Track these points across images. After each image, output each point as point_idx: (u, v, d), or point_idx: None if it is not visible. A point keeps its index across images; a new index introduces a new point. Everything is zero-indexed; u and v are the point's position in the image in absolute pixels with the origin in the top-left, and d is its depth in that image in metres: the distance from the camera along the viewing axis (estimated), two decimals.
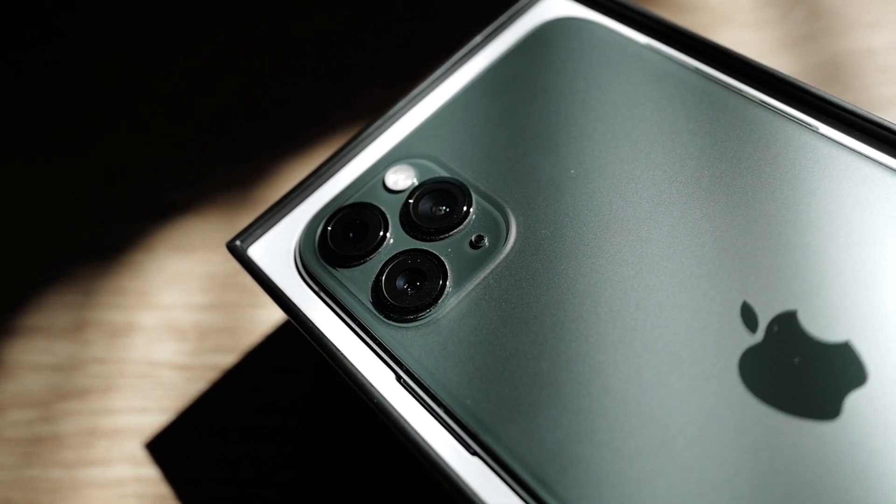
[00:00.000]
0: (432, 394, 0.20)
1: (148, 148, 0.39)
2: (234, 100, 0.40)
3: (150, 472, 0.29)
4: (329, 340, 0.21)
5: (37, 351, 0.33)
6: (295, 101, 0.39)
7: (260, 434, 0.29)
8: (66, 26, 0.45)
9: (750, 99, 0.23)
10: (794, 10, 0.36)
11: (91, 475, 0.29)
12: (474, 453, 0.19)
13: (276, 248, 0.24)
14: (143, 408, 0.31)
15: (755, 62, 0.23)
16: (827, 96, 0.22)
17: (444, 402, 0.19)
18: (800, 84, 0.22)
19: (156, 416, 0.31)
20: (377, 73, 0.39)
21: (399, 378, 0.20)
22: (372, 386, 0.20)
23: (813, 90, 0.22)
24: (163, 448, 0.30)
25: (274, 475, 0.28)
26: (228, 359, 0.32)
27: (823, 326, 0.18)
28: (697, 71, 0.24)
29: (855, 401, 0.17)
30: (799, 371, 0.18)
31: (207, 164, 0.38)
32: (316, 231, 0.23)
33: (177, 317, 0.33)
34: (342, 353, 0.21)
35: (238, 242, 0.24)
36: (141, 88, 0.41)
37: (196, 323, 0.33)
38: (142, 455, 0.30)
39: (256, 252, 0.24)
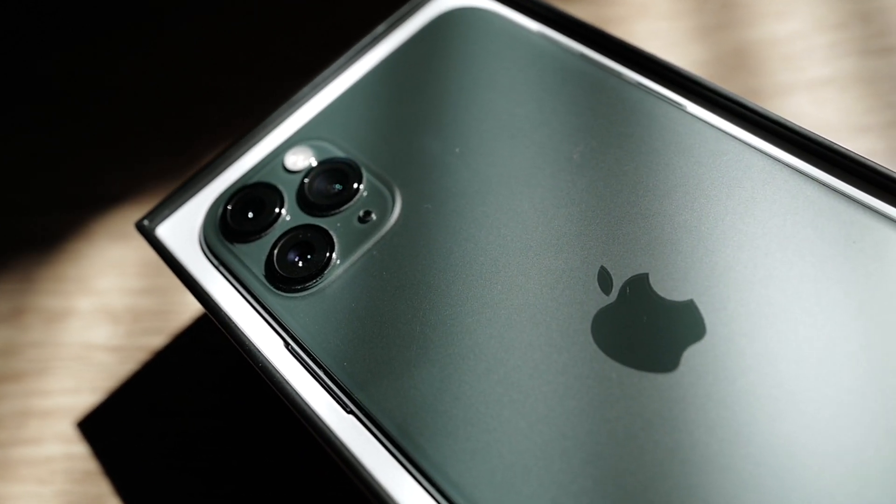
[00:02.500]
0: (313, 356, 0.21)
1: (87, 140, 0.40)
2: (170, 93, 0.41)
3: (79, 449, 0.30)
4: (223, 311, 0.22)
5: None
6: (227, 94, 0.40)
7: (186, 410, 0.30)
8: (6, 22, 0.46)
9: (626, 81, 0.24)
10: (707, 0, 0.38)
11: (23, 453, 0.31)
12: (350, 411, 0.20)
13: (183, 228, 0.25)
14: (75, 389, 0.32)
15: (632, 46, 0.25)
16: (694, 77, 0.23)
17: (323, 364, 0.21)
18: (672, 66, 0.24)
19: (87, 396, 0.32)
20: (306, 65, 0.40)
21: (287, 345, 0.22)
22: (258, 352, 0.21)
23: (683, 71, 0.24)
24: (93, 426, 0.31)
25: (199, 448, 0.29)
26: (159, 340, 0.33)
27: (671, 288, 0.20)
28: (581, 56, 0.25)
29: (692, 354, 0.19)
30: (646, 328, 0.19)
31: (144, 155, 0.39)
32: (218, 210, 0.24)
33: (112, 301, 0.35)
34: (233, 323, 0.22)
35: (146, 222, 0.25)
36: (80, 83, 0.43)
37: (130, 307, 0.34)
38: (72, 433, 0.31)
39: (164, 231, 0.25)
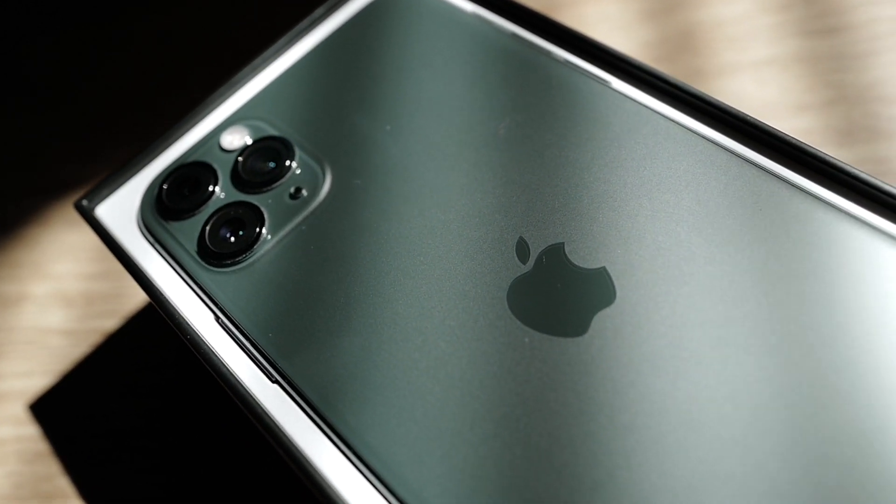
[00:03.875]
0: (240, 328, 0.21)
1: (49, 132, 0.41)
2: (132, 85, 0.41)
3: (30, 430, 0.31)
4: (155, 287, 0.23)
5: None
6: (187, 87, 0.40)
7: (137, 390, 0.31)
8: None
9: (554, 59, 0.25)
10: None
11: None
12: (274, 381, 0.21)
13: (122, 208, 0.25)
14: (28, 372, 0.32)
15: (560, 24, 0.25)
16: (618, 53, 0.24)
17: (249, 335, 0.21)
18: (597, 43, 0.24)
19: (40, 379, 0.32)
20: None
21: (217, 318, 0.22)
22: (187, 325, 0.22)
23: (608, 48, 0.24)
24: (44, 408, 0.31)
25: (149, 427, 0.30)
26: (112, 322, 0.33)
27: (585, 256, 0.20)
28: (512, 35, 0.26)
29: (601, 318, 0.19)
30: (559, 295, 0.20)
31: (106, 146, 0.39)
32: (154, 189, 0.25)
33: (67, 286, 0.35)
34: (164, 298, 0.22)
35: (84, 202, 0.25)
36: (44, 76, 0.43)
37: (84, 291, 0.35)
38: (24, 416, 0.31)
39: (103, 211, 0.25)
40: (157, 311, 0.23)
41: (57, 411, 0.31)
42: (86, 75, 0.43)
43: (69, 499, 0.28)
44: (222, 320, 0.22)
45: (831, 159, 0.20)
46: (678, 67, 0.35)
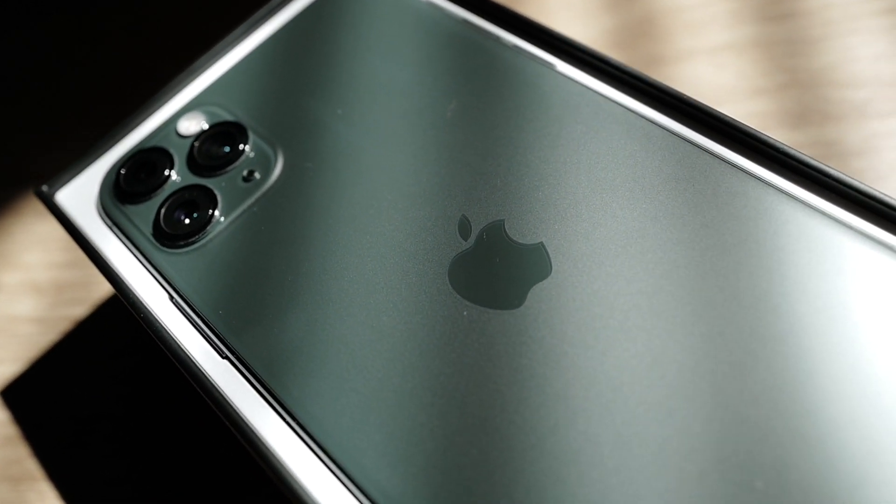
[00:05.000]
0: (192, 306, 0.22)
1: (21, 124, 0.41)
2: (104, 77, 0.42)
3: (0, 415, 0.31)
4: (110, 268, 0.23)
5: None
6: (158, 79, 0.41)
7: (105, 376, 0.31)
8: None
9: (503, 43, 0.25)
10: None
11: None
12: (224, 356, 0.21)
13: (82, 193, 0.26)
14: None
15: (508, 9, 0.26)
16: (562, 36, 0.24)
17: (200, 313, 0.22)
18: (544, 27, 0.25)
19: (10, 366, 0.33)
20: None
21: (171, 298, 0.23)
22: (141, 304, 0.22)
23: (553, 32, 0.25)
24: (13, 394, 0.32)
25: (116, 411, 0.30)
26: (81, 310, 0.34)
27: (524, 232, 0.21)
28: (463, 21, 0.26)
29: (537, 291, 0.20)
30: (498, 270, 0.20)
31: (74, 136, 0.40)
32: (112, 174, 0.25)
33: (37, 275, 0.35)
34: (119, 279, 0.23)
35: (45, 188, 0.26)
36: (16, 67, 0.43)
37: (54, 279, 0.35)
38: None
39: (63, 197, 0.26)
40: (116, 293, 0.23)
41: (26, 397, 0.32)
42: (57, 66, 0.43)
43: (37, 481, 0.29)
44: (176, 299, 0.22)
45: (762, 135, 0.21)
46: (637, 53, 0.36)
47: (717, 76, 0.34)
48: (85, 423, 0.30)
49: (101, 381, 0.31)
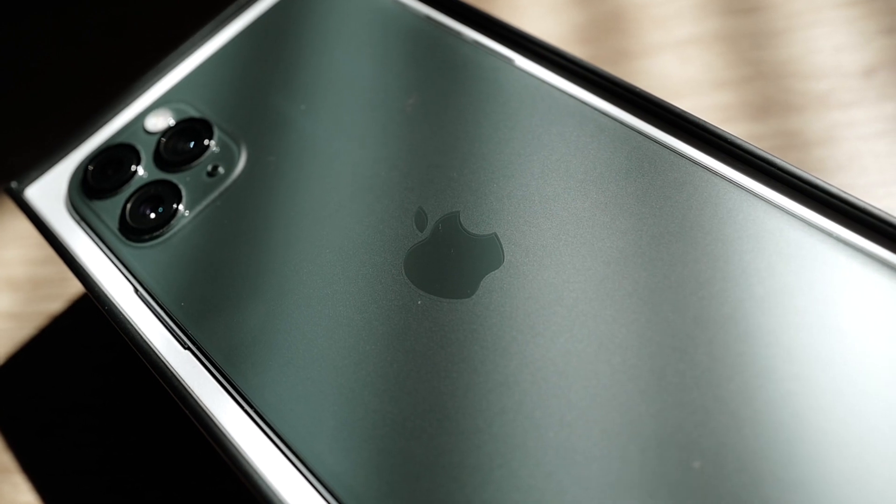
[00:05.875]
0: (156, 298, 0.22)
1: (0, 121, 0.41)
2: (81, 75, 0.42)
3: None
4: (76, 262, 0.24)
5: None
6: (132, 78, 0.41)
7: (80, 369, 0.32)
8: None
9: (463, 39, 0.26)
10: None
11: None
12: (186, 347, 0.22)
13: (52, 189, 0.26)
14: None
15: (468, 5, 0.26)
16: (522, 32, 0.25)
17: (163, 305, 0.22)
18: (503, 23, 0.25)
19: None
20: None
21: (136, 290, 0.23)
22: (105, 297, 0.23)
23: (512, 28, 0.25)
24: None
25: (90, 404, 0.31)
26: (56, 305, 0.34)
27: (478, 223, 0.21)
28: (427, 17, 0.27)
29: (489, 280, 0.20)
30: (452, 260, 0.21)
31: (53, 134, 0.40)
32: (81, 171, 0.26)
33: (14, 271, 0.36)
34: (85, 272, 0.23)
35: (14, 185, 0.26)
36: None
37: (30, 276, 0.36)
38: None
39: (33, 193, 0.26)
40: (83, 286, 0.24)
41: (2, 390, 0.32)
42: (37, 63, 0.44)
43: (11, 473, 0.29)
44: (140, 292, 0.23)
45: (711, 126, 0.21)
46: (606, 48, 0.37)
47: (682, 69, 0.35)
48: (60, 415, 0.31)
49: (76, 375, 0.32)
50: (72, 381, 0.31)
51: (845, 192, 0.19)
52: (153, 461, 0.29)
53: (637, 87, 0.23)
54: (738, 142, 0.21)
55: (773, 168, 0.20)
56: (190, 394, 0.21)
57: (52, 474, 0.29)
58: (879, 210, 0.19)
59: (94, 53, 0.43)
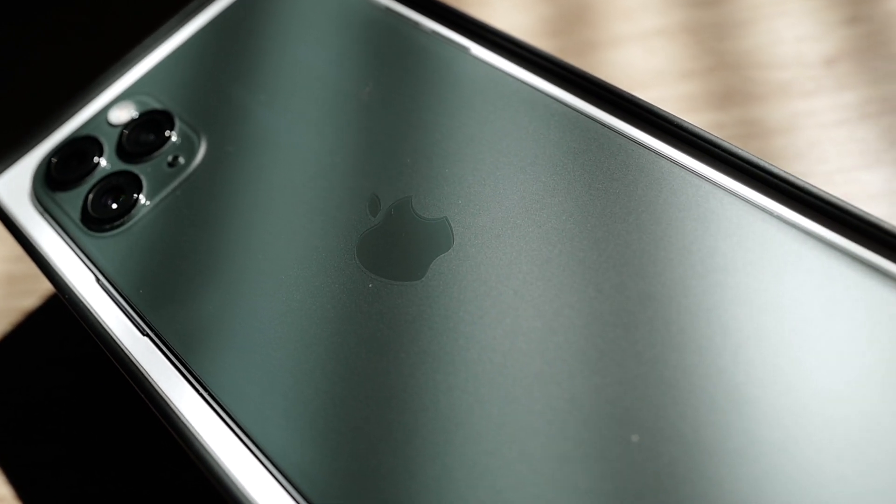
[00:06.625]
0: (115, 286, 0.23)
1: None
2: (59, 76, 0.43)
3: None
4: (39, 252, 0.24)
5: None
6: None
7: (53, 364, 0.32)
8: None
9: (420, 28, 0.26)
10: None
11: None
12: (144, 333, 0.22)
13: (17, 183, 0.27)
14: None
15: None
16: (477, 20, 0.25)
17: (122, 292, 0.22)
18: (458, 11, 0.26)
19: None
20: None
21: (97, 279, 0.23)
22: (66, 286, 0.23)
23: (468, 16, 0.26)
24: None
25: (62, 398, 0.31)
26: (31, 301, 0.35)
27: (430, 208, 0.22)
28: (386, 9, 0.27)
29: (438, 263, 0.21)
30: (403, 244, 0.21)
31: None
32: (45, 163, 0.26)
33: None
34: (47, 262, 0.24)
35: None
36: None
37: (7, 272, 0.36)
38: None
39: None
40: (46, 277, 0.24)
41: None
42: (15, 64, 0.44)
43: None
44: (101, 281, 0.23)
45: (658, 109, 0.22)
46: (573, 40, 0.37)
47: (648, 60, 0.35)
48: (31, 410, 0.31)
49: (50, 369, 0.32)
50: (46, 376, 0.32)
51: (771, 165, 0.20)
52: (125, 455, 0.29)
53: (587, 72, 0.23)
54: (683, 123, 0.21)
55: (716, 149, 0.20)
56: (147, 379, 0.21)
57: (26, 466, 0.29)
58: (819, 189, 0.19)
59: (71, 54, 0.44)
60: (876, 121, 0.31)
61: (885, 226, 0.18)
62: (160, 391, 0.21)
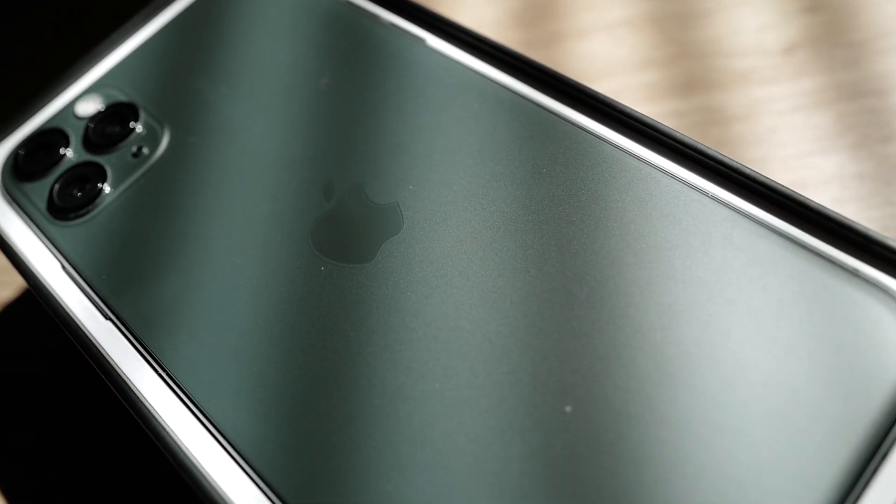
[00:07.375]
0: (80, 273, 0.23)
1: None
2: (33, 72, 0.43)
3: None
4: (5, 242, 0.25)
5: None
6: None
7: (28, 353, 0.33)
8: None
9: (379, 21, 0.27)
10: None
11: None
12: (107, 317, 0.23)
13: None
14: None
15: None
16: (433, 13, 0.26)
17: (86, 278, 0.23)
18: (416, 4, 0.26)
19: None
20: None
21: (63, 267, 0.24)
22: (31, 273, 0.24)
23: (425, 9, 0.26)
24: None
25: (34, 386, 0.32)
26: (7, 293, 0.35)
27: (382, 193, 0.22)
28: (347, 3, 0.28)
29: (388, 246, 0.21)
30: (355, 228, 0.22)
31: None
32: (13, 155, 0.27)
33: None
34: (14, 251, 0.24)
35: None
36: None
37: None
38: None
39: None
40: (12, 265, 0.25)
41: None
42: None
43: None
44: (67, 268, 0.24)
45: (603, 97, 0.22)
46: (539, 31, 0.38)
47: (613, 50, 0.36)
48: (6, 400, 0.32)
49: (24, 358, 0.33)
50: (20, 365, 0.32)
51: (701, 144, 0.21)
52: (100, 444, 0.30)
53: (535, 61, 0.24)
54: (627, 109, 0.22)
55: (653, 131, 0.21)
56: (108, 361, 0.22)
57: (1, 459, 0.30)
58: (748, 168, 0.20)
59: (46, 51, 0.44)
60: (831, 107, 0.31)
61: (798, 197, 0.19)
62: (121, 372, 0.21)
